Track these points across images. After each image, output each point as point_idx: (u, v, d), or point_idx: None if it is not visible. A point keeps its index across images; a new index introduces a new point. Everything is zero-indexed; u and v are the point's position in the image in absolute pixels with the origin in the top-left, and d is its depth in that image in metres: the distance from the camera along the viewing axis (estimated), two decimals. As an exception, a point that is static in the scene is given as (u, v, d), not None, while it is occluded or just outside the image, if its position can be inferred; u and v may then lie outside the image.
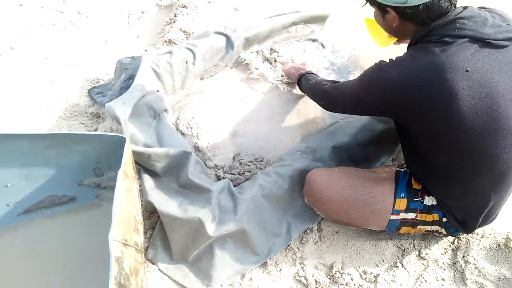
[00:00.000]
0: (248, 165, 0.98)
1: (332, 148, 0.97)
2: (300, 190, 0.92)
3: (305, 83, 0.98)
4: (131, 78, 1.02)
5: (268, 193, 0.89)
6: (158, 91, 0.99)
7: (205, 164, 0.96)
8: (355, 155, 0.98)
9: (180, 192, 0.87)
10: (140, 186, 0.90)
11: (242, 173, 0.97)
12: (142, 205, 0.86)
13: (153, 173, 0.88)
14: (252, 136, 1.03)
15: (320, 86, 0.91)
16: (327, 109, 0.92)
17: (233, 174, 0.96)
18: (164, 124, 0.96)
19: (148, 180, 0.86)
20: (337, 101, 0.86)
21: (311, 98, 0.97)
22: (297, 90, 1.09)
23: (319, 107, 0.95)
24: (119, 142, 0.73)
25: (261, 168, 0.98)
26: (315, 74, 1.00)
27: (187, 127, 1.02)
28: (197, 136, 1.01)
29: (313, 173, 0.87)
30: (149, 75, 1.01)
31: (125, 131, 0.85)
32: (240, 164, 0.98)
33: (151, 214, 0.92)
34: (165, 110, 0.99)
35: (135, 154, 0.83)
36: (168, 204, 0.83)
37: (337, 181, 0.84)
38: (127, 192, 0.67)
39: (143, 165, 0.88)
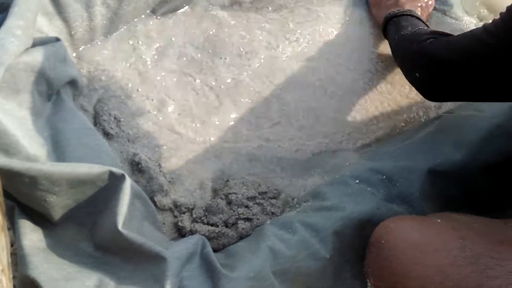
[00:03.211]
0: (246, 206, 0.98)
1: (428, 174, 0.97)
2: (358, 263, 0.90)
3: (395, 30, 1.13)
4: (2, 10, 0.99)
5: (287, 267, 0.87)
6: (58, 39, 0.98)
7: (154, 202, 0.95)
8: (477, 191, 0.97)
9: (98, 260, 0.84)
10: (13, 244, 0.88)
11: (233, 224, 0.96)
12: (15, 287, 0.82)
13: (41, 218, 0.85)
14: (259, 139, 1.06)
15: (418, 41, 0.98)
16: (424, 91, 1.00)
17: (213, 225, 0.96)
18: (68, 111, 0.94)
19: (30, 233, 0.82)
20: (450, 73, 0.89)
21: (397, 63, 1.14)
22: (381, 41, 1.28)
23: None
24: None
25: (273, 212, 0.98)
26: (419, 19, 1.14)
27: (118, 120, 1.02)
28: (139, 137, 1.00)
29: (388, 226, 0.86)
30: (41, 4, 1.00)
31: (-16, 125, 0.81)
32: (229, 203, 0.98)
33: None
34: (71, 82, 0.98)
35: (6, 174, 0.78)
36: (70, 288, 0.78)
37: (440, 245, 0.81)
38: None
39: (21, 199, 0.84)
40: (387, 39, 1.19)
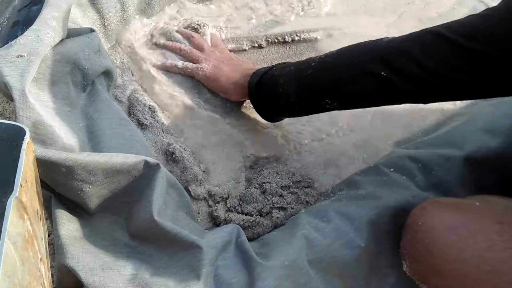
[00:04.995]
0: (281, 195, 0.97)
1: (464, 161, 0.96)
2: (393, 251, 0.89)
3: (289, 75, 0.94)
4: (37, 2, 1.00)
5: (322, 256, 0.86)
6: (92, 30, 0.98)
7: (189, 191, 0.95)
8: None
9: (134, 249, 0.85)
10: (50, 234, 0.88)
11: (267, 213, 0.96)
12: (53, 276, 0.84)
13: (77, 208, 0.86)
14: (293, 128, 1.04)
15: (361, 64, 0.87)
16: (423, 99, 0.89)
17: (247, 214, 0.95)
18: (102, 102, 0.94)
19: (66, 223, 0.83)
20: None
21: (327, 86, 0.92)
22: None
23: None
24: (10, 139, 0.70)
25: (307, 202, 0.98)
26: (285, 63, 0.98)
27: (153, 111, 1.02)
28: (173, 127, 1.01)
29: (425, 208, 0.85)
30: None
31: (22, 115, 0.81)
32: (264, 192, 0.97)
33: None
34: (106, 73, 0.98)
35: (44, 164, 0.79)
36: (108, 277, 0.79)
37: (478, 228, 0.80)
38: (23, 246, 0.63)
39: (57, 189, 0.84)
40: (266, 105, 0.98)
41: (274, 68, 0.95)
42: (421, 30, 0.85)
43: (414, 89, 0.84)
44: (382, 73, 0.83)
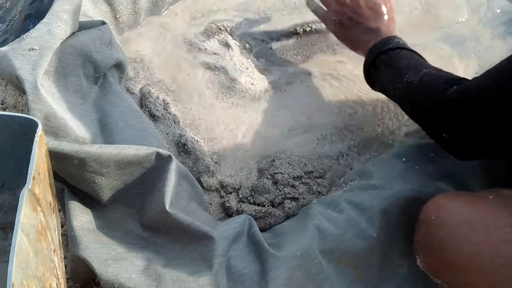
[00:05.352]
0: (293, 186, 0.97)
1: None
2: (405, 241, 0.89)
3: (391, 75, 0.97)
4: None
5: (334, 246, 0.86)
6: (103, 22, 0.99)
7: (201, 182, 0.95)
8: None
9: (147, 240, 0.85)
10: (63, 225, 0.88)
11: (279, 203, 0.96)
12: (66, 267, 0.84)
13: (90, 200, 0.86)
14: (305, 119, 1.05)
15: (436, 93, 0.86)
16: (460, 155, 0.89)
17: (259, 205, 0.95)
18: (114, 94, 0.95)
19: (79, 214, 0.83)
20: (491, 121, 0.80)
21: (409, 115, 0.97)
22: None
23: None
24: (23, 132, 0.70)
25: (319, 192, 0.98)
26: (413, 51, 0.98)
27: (165, 102, 1.02)
28: (185, 119, 1.01)
29: (438, 202, 0.84)
30: None
31: (34, 108, 0.82)
32: (276, 183, 0.97)
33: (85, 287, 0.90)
34: (118, 66, 0.98)
35: (56, 157, 0.80)
36: (121, 268, 0.79)
37: (491, 222, 0.79)
38: (37, 238, 0.63)
39: (70, 181, 0.85)
40: (373, 81, 1.05)
41: (383, 57, 0.99)
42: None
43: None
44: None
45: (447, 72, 0.90)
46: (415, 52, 0.98)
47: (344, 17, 1.11)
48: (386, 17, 1.08)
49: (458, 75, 0.87)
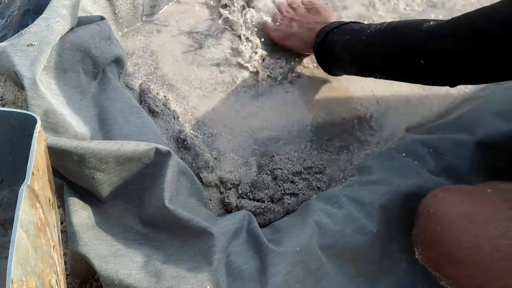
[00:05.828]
0: (292, 181, 0.97)
1: (476, 146, 0.95)
2: (404, 236, 0.89)
3: (354, 33, 0.99)
4: None
5: (334, 242, 0.86)
6: (102, 17, 0.98)
7: (200, 178, 0.95)
8: None
9: (146, 236, 0.85)
10: (63, 222, 0.88)
11: (279, 199, 0.96)
12: (66, 263, 0.84)
13: (90, 196, 0.86)
14: (304, 114, 1.05)
15: (413, 28, 0.89)
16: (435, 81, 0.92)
17: (259, 201, 0.95)
18: (114, 90, 0.95)
19: (79, 211, 0.83)
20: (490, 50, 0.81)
21: (370, 61, 0.97)
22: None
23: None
24: (22, 128, 0.70)
25: (319, 187, 0.98)
26: (355, 22, 1.04)
27: (165, 98, 1.02)
28: (184, 115, 1.01)
29: (437, 195, 0.84)
30: None
31: (33, 103, 0.82)
32: (275, 178, 0.97)
33: (84, 285, 0.90)
34: (117, 61, 0.98)
35: (55, 153, 0.79)
36: (120, 264, 0.79)
37: (490, 215, 0.80)
38: (36, 234, 0.63)
39: (69, 177, 0.85)
40: (327, 62, 1.06)
41: (335, 31, 1.01)
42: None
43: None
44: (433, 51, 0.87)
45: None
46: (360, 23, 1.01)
47: (285, 21, 1.16)
48: (323, 10, 1.13)
49: None
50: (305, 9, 1.16)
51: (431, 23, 0.87)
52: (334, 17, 1.10)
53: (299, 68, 1.17)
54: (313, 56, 1.13)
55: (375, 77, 0.97)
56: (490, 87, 1.12)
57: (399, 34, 0.91)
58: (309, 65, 1.17)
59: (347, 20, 1.03)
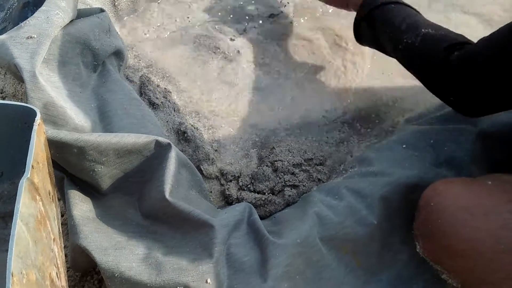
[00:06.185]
0: (292, 173, 0.97)
1: (477, 136, 0.95)
2: (405, 227, 0.89)
3: (391, 33, 0.96)
4: None
5: (334, 234, 0.86)
6: (102, 10, 0.99)
7: (201, 170, 0.95)
8: None
9: (146, 229, 0.85)
10: (63, 214, 0.88)
11: (279, 191, 0.96)
12: (67, 256, 0.84)
13: (90, 189, 0.86)
14: (304, 106, 1.05)
15: (439, 57, 0.87)
16: (467, 114, 0.89)
17: (259, 193, 0.95)
18: (114, 82, 0.95)
19: (79, 203, 0.83)
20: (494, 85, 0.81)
21: (414, 74, 0.95)
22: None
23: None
24: (21, 120, 0.71)
25: (319, 179, 0.97)
26: (408, 5, 0.98)
27: (165, 90, 1.02)
28: (184, 107, 1.01)
29: (437, 188, 0.84)
30: None
31: (32, 96, 0.81)
32: (276, 170, 0.97)
33: (84, 277, 0.90)
34: (117, 53, 0.98)
35: (55, 145, 0.79)
36: (121, 256, 0.79)
37: (491, 207, 0.79)
38: (36, 227, 0.63)
39: (70, 169, 0.85)
40: (363, 35, 1.05)
41: (378, 12, 0.98)
42: None
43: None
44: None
45: (446, 32, 0.91)
46: (409, 6, 0.98)
47: None
48: None
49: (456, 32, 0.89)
50: None
51: (455, 53, 0.85)
52: None
53: (300, 64, 1.17)
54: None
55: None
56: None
57: (429, 58, 0.89)
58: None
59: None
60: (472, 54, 0.83)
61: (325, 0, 1.15)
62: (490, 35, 0.82)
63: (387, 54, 1.00)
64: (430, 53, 0.89)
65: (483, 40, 0.83)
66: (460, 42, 0.87)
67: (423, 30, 0.90)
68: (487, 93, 0.84)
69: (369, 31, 1.00)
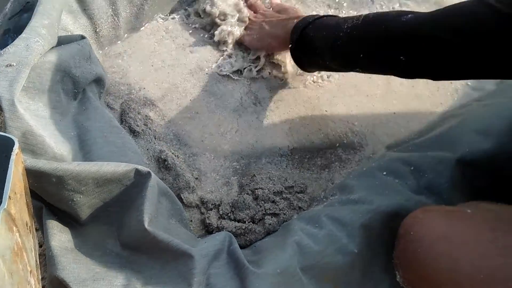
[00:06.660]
0: (273, 201, 0.97)
1: (457, 164, 0.95)
2: (386, 256, 0.89)
3: (328, 30, 0.99)
4: (27, 9, 1.01)
5: (315, 263, 0.86)
6: (83, 37, 0.98)
7: (181, 199, 0.95)
8: (507, 180, 0.95)
9: (126, 259, 0.84)
10: (41, 245, 0.87)
11: (260, 219, 0.95)
12: (45, 287, 0.82)
13: (69, 218, 0.85)
14: (283, 132, 1.06)
15: (391, 20, 0.90)
16: (411, 73, 0.92)
17: (240, 221, 0.95)
18: (94, 110, 0.94)
19: (58, 234, 0.82)
20: (442, 52, 0.84)
21: (350, 57, 0.98)
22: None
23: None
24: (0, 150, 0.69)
25: (300, 207, 0.98)
26: (328, 16, 1.03)
27: (146, 118, 1.02)
28: (165, 135, 1.01)
29: (417, 217, 0.84)
30: (65, 2, 1.00)
31: (11, 125, 0.81)
32: (256, 198, 0.97)
33: None
34: (97, 81, 0.98)
35: (34, 175, 0.78)
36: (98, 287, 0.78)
37: (471, 237, 0.80)
38: (12, 259, 0.62)
39: (48, 199, 0.83)
40: (303, 57, 1.05)
41: (311, 26, 1.00)
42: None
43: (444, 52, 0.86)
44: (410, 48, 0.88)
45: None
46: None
47: (255, 25, 1.17)
48: (291, 9, 1.13)
49: None
50: (274, 11, 1.17)
51: (409, 15, 0.89)
52: (302, 15, 1.08)
53: (282, 90, 1.18)
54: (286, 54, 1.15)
55: (357, 71, 0.98)
56: (471, 104, 1.13)
57: (378, 27, 0.91)
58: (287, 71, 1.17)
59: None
60: (424, 18, 0.86)
61: (260, 42, 1.17)
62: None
63: (331, 68, 1.02)
64: (380, 20, 0.91)
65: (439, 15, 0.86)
66: (410, 11, 0.91)
67: (361, 16, 0.94)
68: (441, 59, 0.86)
69: (307, 48, 1.01)
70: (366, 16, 0.94)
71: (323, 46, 0.97)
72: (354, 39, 0.94)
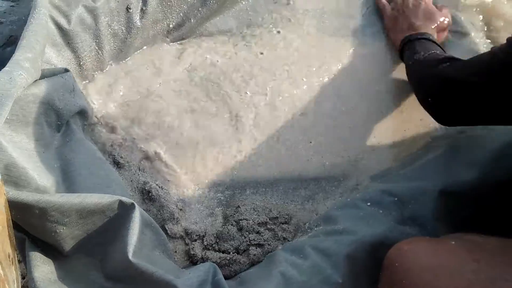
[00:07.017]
0: (258, 232, 0.97)
1: (440, 195, 0.95)
2: (371, 286, 0.88)
3: (409, 54, 1.14)
4: (10, 43, 1.02)
5: (299, 293, 0.85)
6: (66, 70, 0.98)
7: (165, 230, 0.95)
8: (490, 210, 0.95)
9: (110, 291, 0.82)
10: (24, 276, 0.87)
11: (244, 250, 0.95)
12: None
13: (52, 250, 0.84)
14: (268, 164, 1.06)
15: (432, 66, 1.01)
16: (438, 116, 1.02)
17: (224, 252, 0.95)
18: (77, 142, 0.94)
19: (41, 265, 0.81)
20: (464, 95, 0.91)
21: (412, 88, 1.14)
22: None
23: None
24: None
25: (284, 238, 0.97)
26: (435, 42, 1.15)
27: (131, 149, 1.03)
28: (149, 166, 1.02)
29: (401, 248, 0.84)
30: (49, 36, 1.00)
31: (-7, 157, 0.80)
32: (241, 229, 0.97)
33: None
34: (81, 113, 0.98)
35: (16, 207, 0.78)
36: (82, 320, 0.77)
37: (455, 268, 0.79)
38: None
39: (31, 231, 0.83)
40: (402, 58, 1.20)
41: (408, 44, 1.18)
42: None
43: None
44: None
45: (451, 55, 1.02)
46: (435, 42, 1.14)
47: (401, 15, 1.25)
48: (435, 25, 1.21)
49: None
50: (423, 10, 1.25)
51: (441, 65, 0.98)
52: (443, 31, 1.24)
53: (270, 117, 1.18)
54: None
55: None
56: (454, 135, 1.15)
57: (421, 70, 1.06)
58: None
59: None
60: (455, 67, 0.95)
61: (391, 30, 1.29)
62: (474, 57, 0.93)
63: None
64: (427, 63, 1.03)
65: (467, 60, 0.94)
66: (455, 58, 0.99)
67: (432, 51, 1.06)
68: (460, 102, 0.93)
69: (404, 58, 1.17)
70: (426, 56, 1.06)
71: (406, 64, 1.15)
72: (411, 72, 1.13)
